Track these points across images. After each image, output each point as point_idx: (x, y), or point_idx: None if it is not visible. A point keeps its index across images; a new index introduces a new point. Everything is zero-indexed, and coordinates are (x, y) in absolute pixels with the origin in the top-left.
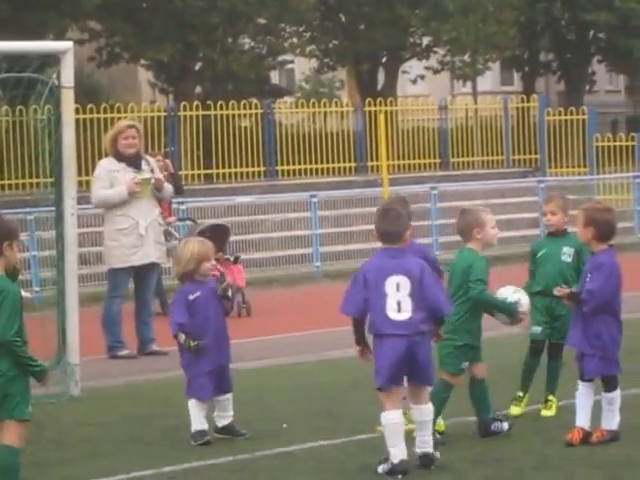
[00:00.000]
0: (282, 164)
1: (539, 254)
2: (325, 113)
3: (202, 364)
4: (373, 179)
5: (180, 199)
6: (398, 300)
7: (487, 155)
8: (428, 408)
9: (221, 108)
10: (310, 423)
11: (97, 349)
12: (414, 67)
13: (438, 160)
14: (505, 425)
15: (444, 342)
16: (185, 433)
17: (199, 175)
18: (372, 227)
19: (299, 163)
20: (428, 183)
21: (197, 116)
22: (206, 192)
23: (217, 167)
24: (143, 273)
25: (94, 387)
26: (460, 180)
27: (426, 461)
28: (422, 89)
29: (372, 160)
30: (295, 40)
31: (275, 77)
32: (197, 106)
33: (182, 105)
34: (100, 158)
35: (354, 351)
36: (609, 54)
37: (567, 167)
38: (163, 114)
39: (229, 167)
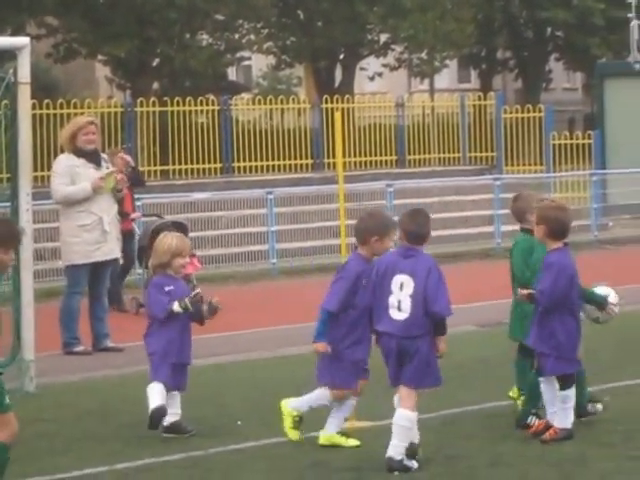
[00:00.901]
0: (239, 161)
1: (533, 255)
2: (282, 110)
3: (168, 355)
4: (330, 176)
5: (136, 195)
6: (399, 299)
7: (444, 152)
8: (402, 413)
9: (178, 104)
10: (265, 420)
11: (52, 345)
12: (372, 64)
13: (394, 157)
14: (599, 406)
15: None
16: (139, 429)
17: (155, 171)
18: (328, 224)
19: (256, 160)
20: (384, 180)
21: (154, 112)
22: (162, 188)
23: (174, 163)
24: (100, 269)
25: (49, 383)
26: (416, 177)
27: (388, 464)
28: (379, 86)
29: (329, 157)
30: (253, 37)
31: (232, 73)
32: (154, 102)
33: (139, 101)
34: (56, 154)
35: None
36: (566, 52)
37: (524, 165)
38: (120, 110)
39: (186, 163)
